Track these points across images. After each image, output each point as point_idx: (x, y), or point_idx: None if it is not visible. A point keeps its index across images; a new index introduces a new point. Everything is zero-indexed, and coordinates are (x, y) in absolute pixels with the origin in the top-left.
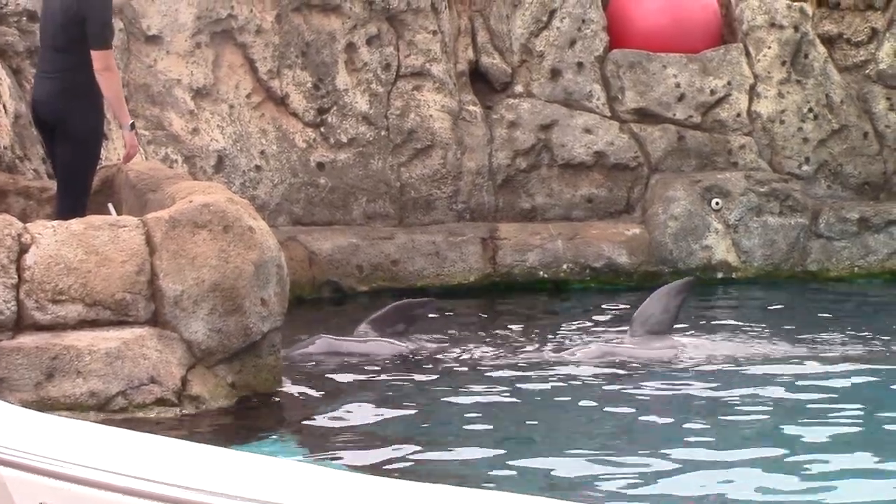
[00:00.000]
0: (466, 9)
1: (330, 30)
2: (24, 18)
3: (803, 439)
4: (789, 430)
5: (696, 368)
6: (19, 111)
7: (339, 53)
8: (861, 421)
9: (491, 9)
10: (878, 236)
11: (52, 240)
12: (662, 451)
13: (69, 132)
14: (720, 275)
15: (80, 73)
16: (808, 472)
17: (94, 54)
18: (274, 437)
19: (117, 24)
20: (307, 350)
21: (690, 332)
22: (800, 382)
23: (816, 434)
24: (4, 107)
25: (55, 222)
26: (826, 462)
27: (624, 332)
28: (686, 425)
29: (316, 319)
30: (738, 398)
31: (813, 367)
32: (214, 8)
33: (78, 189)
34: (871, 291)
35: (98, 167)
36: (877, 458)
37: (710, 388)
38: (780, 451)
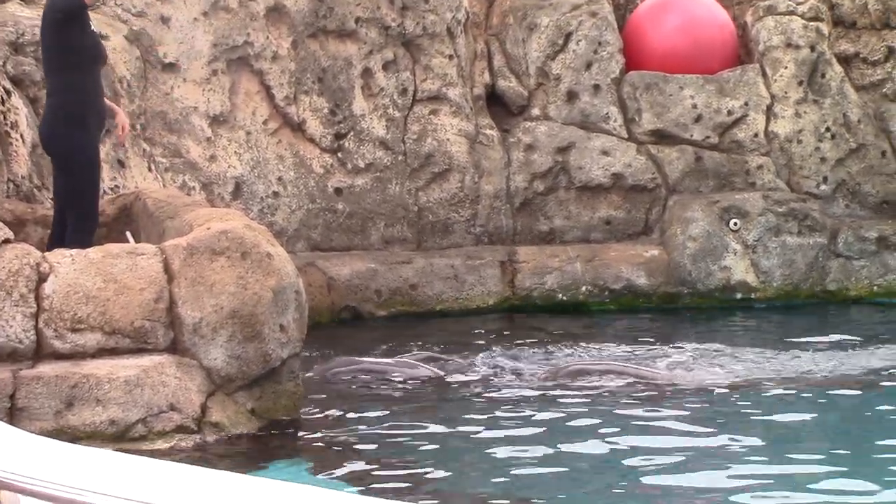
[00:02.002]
0: (482, 33)
1: (346, 55)
2: (41, 48)
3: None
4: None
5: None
6: (36, 140)
7: (355, 79)
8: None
9: (507, 32)
10: None
11: (70, 268)
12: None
13: (59, 156)
14: (739, 295)
15: (60, 97)
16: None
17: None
18: (293, 461)
19: (133, 51)
20: (329, 369)
21: (710, 352)
22: (823, 402)
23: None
24: (22, 136)
25: (73, 251)
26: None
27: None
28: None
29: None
30: (747, 420)
31: (831, 387)
32: (230, 35)
33: (79, 214)
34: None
35: (104, 191)
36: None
37: (721, 410)
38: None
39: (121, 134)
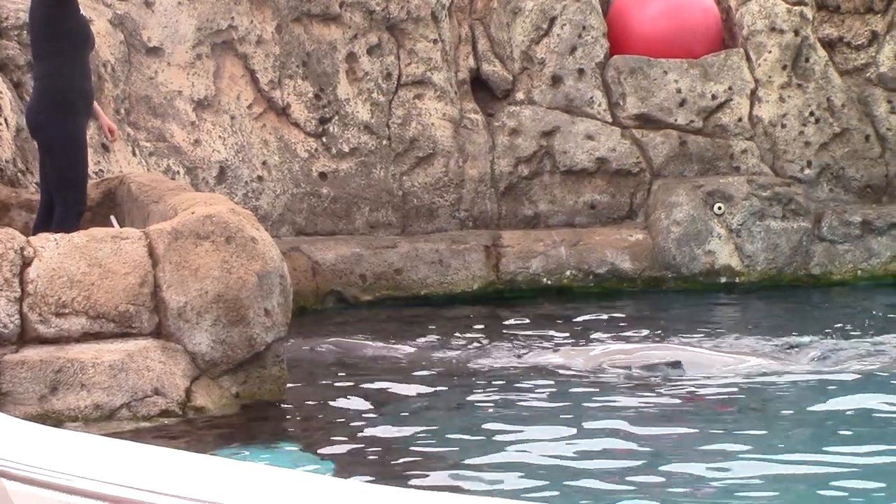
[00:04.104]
0: (467, 17)
1: (330, 39)
2: (25, 32)
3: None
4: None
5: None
6: (21, 125)
7: (339, 63)
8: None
9: (491, 17)
10: (880, 239)
11: (54, 252)
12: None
13: (47, 141)
14: (723, 279)
15: (47, 81)
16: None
17: None
18: (278, 445)
19: (117, 35)
20: (314, 350)
21: (690, 338)
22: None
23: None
24: (6, 120)
25: (57, 235)
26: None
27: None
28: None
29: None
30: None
31: (810, 373)
32: (215, 19)
33: (66, 199)
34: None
35: (89, 175)
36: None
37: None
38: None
39: (111, 137)
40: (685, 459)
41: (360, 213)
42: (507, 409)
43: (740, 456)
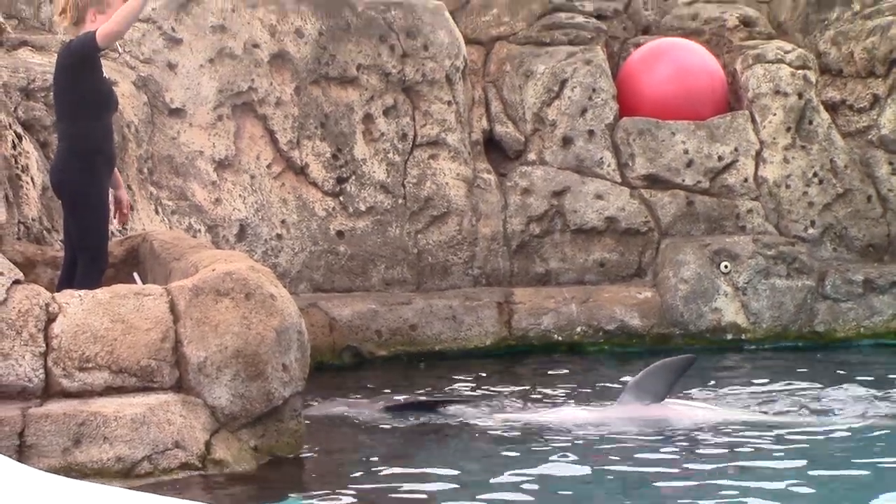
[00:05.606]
0: (480, 80)
1: (347, 101)
2: (51, 93)
3: None
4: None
5: (680, 437)
6: (46, 183)
7: (356, 124)
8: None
9: (504, 79)
10: (882, 297)
11: (78, 309)
12: None
13: (70, 200)
14: (729, 336)
15: (70, 142)
16: None
17: (98, 34)
18: (295, 498)
19: (141, 97)
20: (325, 412)
21: (694, 395)
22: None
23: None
24: (32, 179)
25: (81, 291)
26: None
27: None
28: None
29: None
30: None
31: (817, 430)
32: (235, 81)
33: (88, 256)
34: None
35: (112, 233)
36: None
37: (693, 456)
38: None
39: (125, 213)
40: None
41: (375, 270)
42: (511, 471)
43: None
